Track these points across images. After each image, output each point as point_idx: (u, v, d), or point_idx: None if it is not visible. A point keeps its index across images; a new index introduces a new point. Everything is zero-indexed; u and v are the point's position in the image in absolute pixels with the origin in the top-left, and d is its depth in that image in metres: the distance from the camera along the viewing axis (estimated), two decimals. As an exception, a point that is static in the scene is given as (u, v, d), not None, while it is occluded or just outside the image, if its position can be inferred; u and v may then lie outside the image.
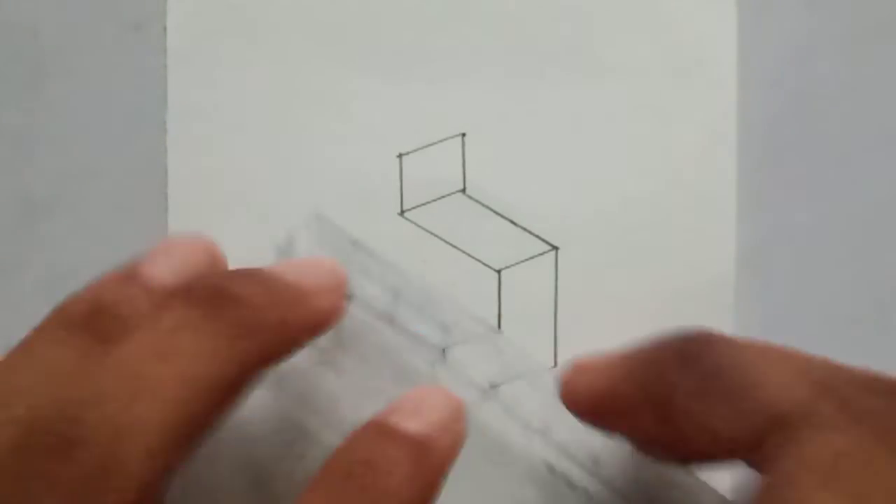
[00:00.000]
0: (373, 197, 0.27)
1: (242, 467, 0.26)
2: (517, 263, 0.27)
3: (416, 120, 0.27)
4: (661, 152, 0.27)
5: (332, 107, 0.27)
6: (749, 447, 0.21)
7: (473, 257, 0.27)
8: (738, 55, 0.27)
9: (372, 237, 0.26)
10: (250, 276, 0.23)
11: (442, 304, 0.26)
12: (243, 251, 0.26)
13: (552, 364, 0.26)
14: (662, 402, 0.22)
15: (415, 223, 0.27)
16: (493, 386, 0.26)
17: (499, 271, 0.27)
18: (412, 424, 0.23)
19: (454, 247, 0.27)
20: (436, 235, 0.27)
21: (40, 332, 0.23)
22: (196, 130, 0.27)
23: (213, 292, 0.22)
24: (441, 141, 0.27)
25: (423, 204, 0.27)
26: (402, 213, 0.27)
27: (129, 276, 0.23)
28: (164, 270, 0.23)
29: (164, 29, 0.27)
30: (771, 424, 0.21)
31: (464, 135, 0.27)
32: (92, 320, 0.23)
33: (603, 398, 0.24)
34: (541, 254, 0.27)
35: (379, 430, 0.23)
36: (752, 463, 0.21)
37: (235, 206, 0.27)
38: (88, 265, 0.27)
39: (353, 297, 0.25)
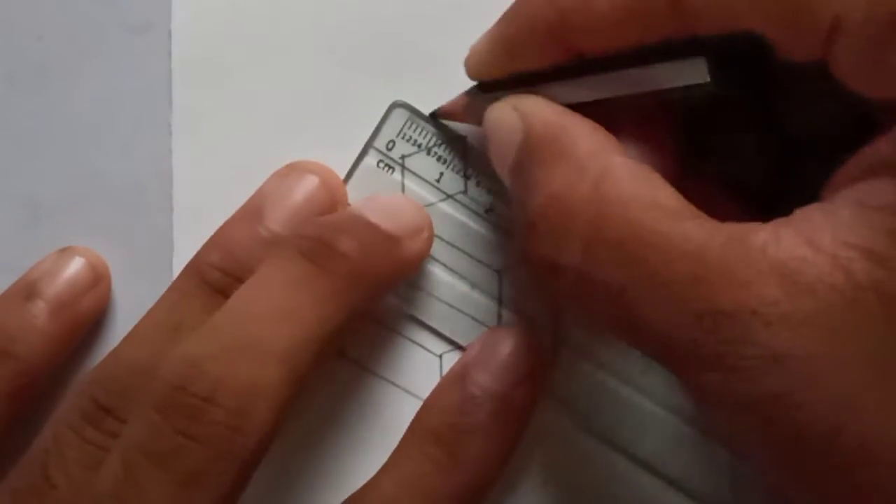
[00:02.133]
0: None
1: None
2: (517, 264, 0.27)
3: (416, 122, 0.27)
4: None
5: (336, 108, 0.27)
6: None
7: (474, 258, 0.27)
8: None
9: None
10: (351, 229, 0.24)
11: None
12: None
13: (553, 364, 0.27)
14: None
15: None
16: None
17: (499, 271, 0.27)
18: (491, 381, 0.25)
19: (455, 247, 0.27)
20: (437, 236, 0.27)
21: (175, 284, 0.25)
22: (201, 133, 0.27)
23: (320, 249, 0.23)
24: (442, 142, 0.27)
25: (425, 205, 0.27)
26: (404, 214, 0.27)
27: (252, 220, 0.25)
28: (283, 217, 0.25)
29: (169, 33, 0.27)
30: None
31: (465, 136, 0.27)
32: (217, 273, 0.24)
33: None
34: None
35: (460, 386, 0.25)
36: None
37: (240, 208, 0.27)
38: (94, 266, 0.27)
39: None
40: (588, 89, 0.22)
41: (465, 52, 0.24)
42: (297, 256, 0.23)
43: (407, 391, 0.27)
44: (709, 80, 0.20)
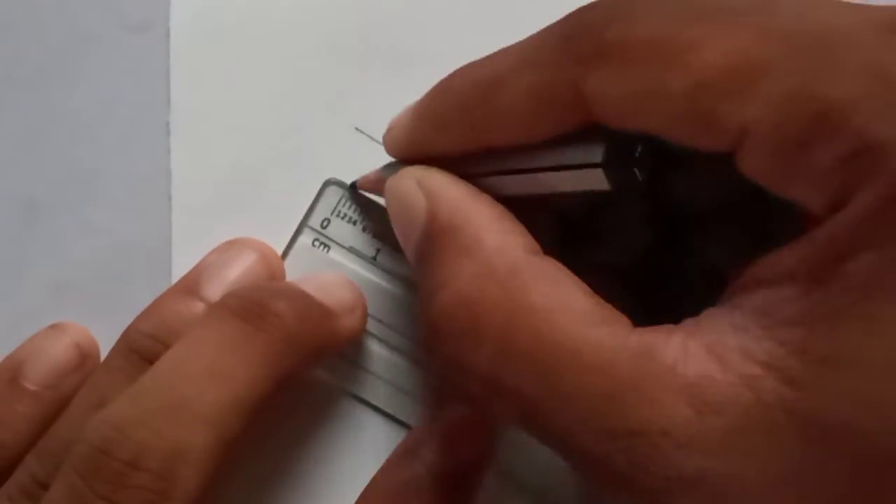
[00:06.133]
0: (374, 198, 0.27)
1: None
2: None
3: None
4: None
5: (334, 108, 0.27)
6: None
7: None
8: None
9: (374, 238, 0.26)
10: (285, 293, 0.24)
11: None
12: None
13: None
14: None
15: (416, 224, 0.27)
16: None
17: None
18: (440, 457, 0.24)
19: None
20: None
21: (106, 358, 0.25)
22: (199, 132, 0.27)
23: (254, 309, 0.23)
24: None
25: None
26: (403, 213, 0.27)
27: (188, 292, 0.25)
28: (220, 289, 0.25)
29: (168, 31, 0.27)
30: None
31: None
32: (149, 341, 0.24)
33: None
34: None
35: (410, 466, 0.24)
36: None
37: (238, 208, 0.27)
38: (91, 266, 0.27)
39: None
40: (493, 187, 0.21)
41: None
42: (230, 316, 0.23)
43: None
44: (608, 188, 0.19)
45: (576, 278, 0.19)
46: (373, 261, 0.26)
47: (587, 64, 0.18)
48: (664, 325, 0.18)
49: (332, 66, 0.27)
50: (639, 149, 0.19)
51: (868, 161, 0.15)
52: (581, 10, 0.19)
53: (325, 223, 0.27)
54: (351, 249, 0.26)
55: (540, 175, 0.20)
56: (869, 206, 0.15)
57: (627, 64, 0.18)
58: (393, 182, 0.23)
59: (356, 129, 0.27)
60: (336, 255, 0.27)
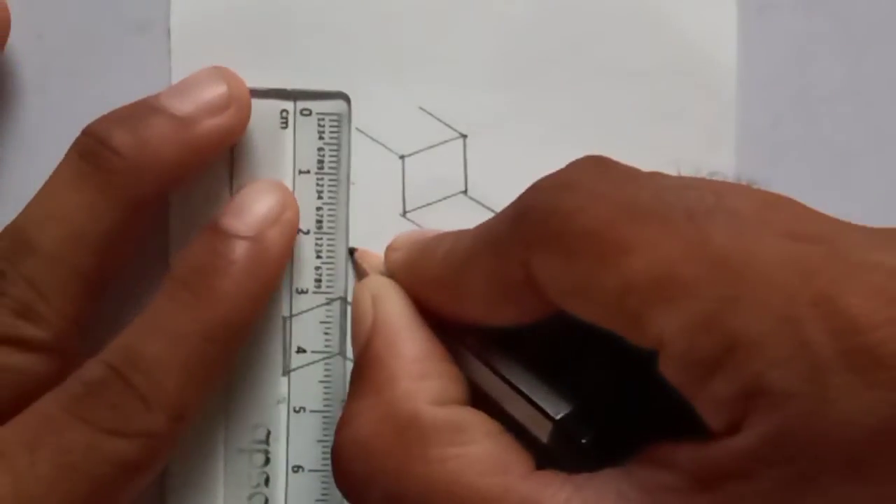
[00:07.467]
0: (375, 198, 0.27)
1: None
2: None
3: (417, 121, 0.27)
4: (662, 153, 0.27)
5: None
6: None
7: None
8: (738, 55, 0.27)
9: (374, 238, 0.26)
10: (127, 121, 0.24)
11: None
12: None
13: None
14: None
15: (417, 224, 0.27)
16: None
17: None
18: (240, 224, 0.24)
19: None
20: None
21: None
22: (199, 132, 0.27)
23: (93, 144, 0.24)
24: (443, 143, 0.27)
25: (426, 205, 0.27)
26: (404, 214, 0.27)
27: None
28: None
29: (168, 31, 0.27)
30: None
31: (465, 136, 0.27)
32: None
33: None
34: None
35: (211, 235, 0.24)
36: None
37: (239, 207, 0.27)
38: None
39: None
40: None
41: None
42: (74, 156, 0.24)
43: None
44: (545, 441, 0.20)
45: (486, 425, 0.20)
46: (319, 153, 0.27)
47: (532, 249, 0.19)
48: (564, 474, 0.19)
49: (331, 65, 0.27)
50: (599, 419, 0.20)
51: (760, 403, 0.16)
52: (532, 191, 0.20)
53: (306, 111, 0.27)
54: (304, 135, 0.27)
55: (500, 382, 0.21)
56: (751, 445, 0.16)
57: (566, 254, 0.19)
58: (357, 287, 0.24)
59: (356, 129, 0.27)
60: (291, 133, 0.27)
